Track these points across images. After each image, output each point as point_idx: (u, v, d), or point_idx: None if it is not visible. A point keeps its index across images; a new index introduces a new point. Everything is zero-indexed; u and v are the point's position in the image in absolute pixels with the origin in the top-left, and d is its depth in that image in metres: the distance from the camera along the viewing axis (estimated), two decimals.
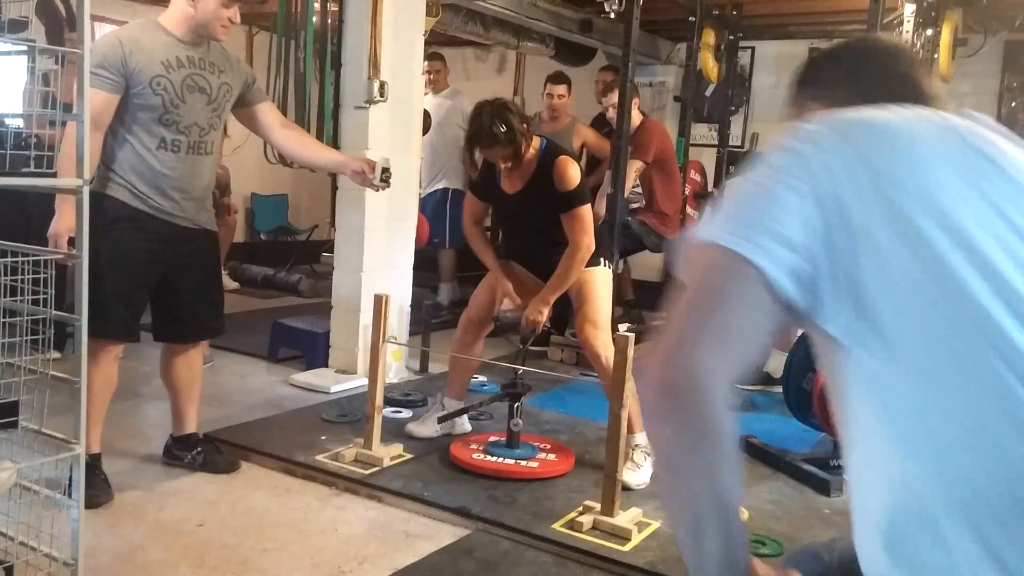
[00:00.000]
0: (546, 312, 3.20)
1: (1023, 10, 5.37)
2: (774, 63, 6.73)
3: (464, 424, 3.52)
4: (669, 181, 5.30)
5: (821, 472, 3.16)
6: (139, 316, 2.88)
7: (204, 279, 2.99)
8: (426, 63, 6.17)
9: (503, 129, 3.04)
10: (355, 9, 4.12)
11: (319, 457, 3.15)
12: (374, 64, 4.09)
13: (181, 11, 2.77)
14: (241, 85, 2.96)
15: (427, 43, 4.54)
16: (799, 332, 4.22)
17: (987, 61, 5.87)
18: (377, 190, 3.19)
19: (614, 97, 5.16)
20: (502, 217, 3.57)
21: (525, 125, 3.13)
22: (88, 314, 1.98)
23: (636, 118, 5.17)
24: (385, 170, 3.06)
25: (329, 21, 4.30)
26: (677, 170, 5.44)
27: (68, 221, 2.50)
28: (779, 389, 3.97)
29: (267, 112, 3.10)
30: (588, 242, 3.15)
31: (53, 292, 1.96)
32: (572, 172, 3.15)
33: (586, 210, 3.17)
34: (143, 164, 2.74)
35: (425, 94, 5.29)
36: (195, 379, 3.11)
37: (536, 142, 3.21)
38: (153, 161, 2.75)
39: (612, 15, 4.76)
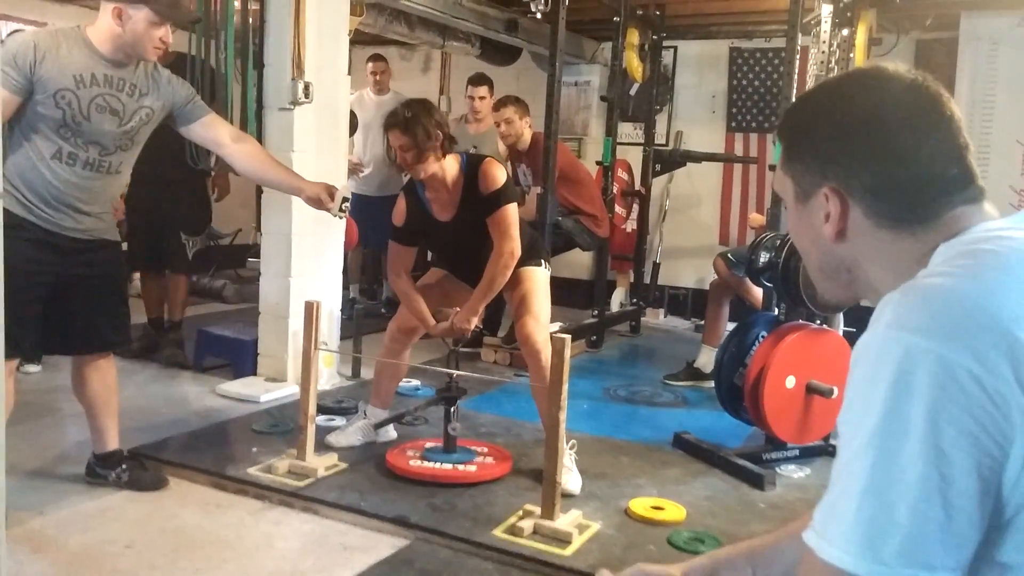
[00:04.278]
0: (474, 320, 3.18)
1: (934, 10, 5.59)
2: (696, 63, 6.84)
3: (389, 431, 3.46)
4: (579, 187, 5.29)
5: (755, 466, 3.21)
6: (30, 331, 2.68)
7: (101, 289, 2.84)
8: (370, 64, 6.10)
9: (408, 115, 3.03)
10: (277, 8, 4.02)
11: (251, 470, 3.06)
12: (298, 65, 4.00)
13: (108, 28, 2.63)
14: (170, 107, 2.83)
15: (351, 43, 4.47)
16: (729, 328, 4.30)
17: (900, 59, 6.00)
18: (335, 218, 3.14)
19: (507, 113, 5.13)
20: (441, 248, 3.46)
21: (439, 131, 3.05)
22: None
23: (527, 135, 5.19)
24: (345, 199, 3.01)
25: (251, 20, 4.19)
26: (584, 173, 5.50)
27: None
28: (710, 384, 4.04)
29: (212, 127, 2.94)
30: (512, 247, 3.11)
31: None
32: (497, 172, 3.14)
33: (511, 210, 3.14)
34: (34, 172, 2.62)
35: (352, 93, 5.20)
36: (110, 393, 2.98)
37: (457, 158, 3.17)
38: (45, 171, 2.62)
39: (538, 15, 4.76)
